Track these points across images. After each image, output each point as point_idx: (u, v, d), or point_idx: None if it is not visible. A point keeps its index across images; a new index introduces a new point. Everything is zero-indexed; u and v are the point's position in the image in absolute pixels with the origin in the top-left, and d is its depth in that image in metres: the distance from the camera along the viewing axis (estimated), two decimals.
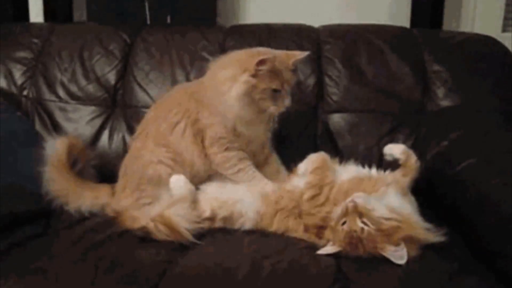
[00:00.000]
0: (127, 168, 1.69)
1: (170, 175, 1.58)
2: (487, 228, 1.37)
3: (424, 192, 1.57)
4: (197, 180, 1.62)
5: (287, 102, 1.58)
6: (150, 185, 1.60)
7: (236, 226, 1.53)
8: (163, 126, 1.65)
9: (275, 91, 1.55)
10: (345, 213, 1.33)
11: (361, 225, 1.30)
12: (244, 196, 1.55)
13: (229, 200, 1.54)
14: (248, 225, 1.53)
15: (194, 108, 1.64)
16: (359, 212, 1.32)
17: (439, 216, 1.51)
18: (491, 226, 1.35)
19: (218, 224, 1.53)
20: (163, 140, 1.63)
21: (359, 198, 1.34)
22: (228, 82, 1.55)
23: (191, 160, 1.63)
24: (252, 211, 1.53)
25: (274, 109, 1.58)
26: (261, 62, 1.50)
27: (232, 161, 1.63)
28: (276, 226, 1.51)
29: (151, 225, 1.44)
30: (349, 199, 1.35)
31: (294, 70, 1.63)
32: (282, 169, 1.72)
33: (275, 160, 1.73)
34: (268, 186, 1.60)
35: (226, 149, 1.63)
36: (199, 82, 1.74)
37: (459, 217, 1.49)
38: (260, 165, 1.68)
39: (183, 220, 1.45)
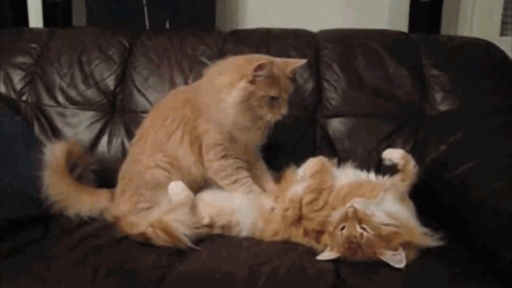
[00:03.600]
0: (126, 173, 1.69)
1: (168, 179, 1.58)
2: (487, 231, 1.37)
3: (423, 195, 1.56)
4: (195, 186, 1.61)
5: (284, 110, 1.57)
6: (148, 189, 1.60)
7: (234, 233, 1.53)
8: (160, 134, 1.64)
9: (272, 98, 1.55)
10: (344, 219, 1.33)
11: (360, 230, 1.31)
12: (241, 206, 1.56)
13: (227, 209, 1.55)
14: (244, 233, 1.53)
15: (190, 115, 1.63)
16: (358, 217, 1.32)
17: (438, 220, 1.51)
18: (490, 229, 1.35)
19: (216, 231, 1.53)
20: (161, 146, 1.63)
21: (358, 203, 1.34)
22: (226, 88, 1.55)
23: (187, 167, 1.62)
24: (249, 220, 1.53)
25: (270, 117, 1.57)
26: (260, 67, 1.50)
27: (228, 170, 1.62)
28: (279, 237, 1.51)
29: (150, 231, 1.44)
30: (348, 204, 1.35)
31: (292, 79, 1.63)
32: (267, 174, 1.70)
33: (261, 166, 1.71)
34: (266, 202, 1.58)
35: (223, 157, 1.62)
36: (195, 87, 1.73)
37: (458, 220, 1.49)
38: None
39: (182, 226, 1.45)
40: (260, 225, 1.53)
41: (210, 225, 1.52)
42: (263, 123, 1.59)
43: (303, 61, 1.64)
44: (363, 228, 1.31)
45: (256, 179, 1.66)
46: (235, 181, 1.62)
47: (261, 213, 1.54)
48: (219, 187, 1.63)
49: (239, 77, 1.54)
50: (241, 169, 1.64)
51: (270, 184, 1.68)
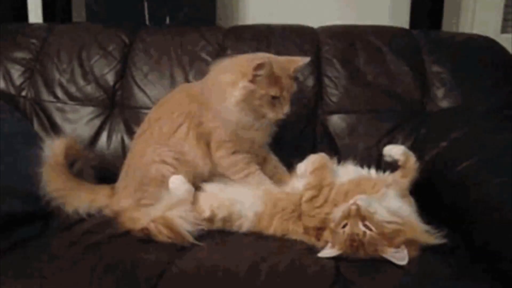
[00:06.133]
0: (129, 168, 1.68)
1: (173, 174, 1.58)
2: (488, 228, 1.36)
3: (424, 193, 1.56)
4: (200, 180, 1.62)
5: (286, 109, 1.57)
6: (152, 185, 1.59)
7: (234, 227, 1.53)
8: (165, 128, 1.65)
9: (274, 97, 1.55)
10: (347, 216, 1.33)
11: (363, 228, 1.30)
12: (244, 198, 1.55)
13: (229, 201, 1.54)
14: (246, 227, 1.52)
15: (196, 110, 1.64)
16: (361, 215, 1.31)
17: (439, 217, 1.50)
18: (491, 226, 1.35)
19: (217, 224, 1.52)
20: (166, 141, 1.63)
21: (361, 200, 1.33)
22: (228, 87, 1.55)
23: (194, 161, 1.62)
24: (251, 212, 1.52)
25: (272, 116, 1.57)
26: (258, 67, 1.50)
27: (240, 165, 1.63)
28: (274, 228, 1.51)
29: (152, 227, 1.44)
30: (351, 201, 1.34)
31: (295, 78, 1.62)
32: (280, 165, 1.72)
33: (272, 158, 1.73)
34: (274, 189, 1.59)
35: (233, 152, 1.63)
36: (201, 83, 1.74)
37: (459, 217, 1.48)
38: (259, 165, 1.67)
39: (185, 222, 1.45)
40: (261, 210, 1.51)
41: (211, 218, 1.52)
42: (266, 122, 1.60)
43: (306, 60, 1.63)
44: (366, 226, 1.30)
45: (271, 173, 1.68)
46: (247, 175, 1.63)
47: (264, 199, 1.53)
48: (223, 179, 1.63)
49: (240, 76, 1.54)
50: (252, 163, 1.64)
51: (286, 176, 1.68)
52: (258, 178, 1.62)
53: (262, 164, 1.69)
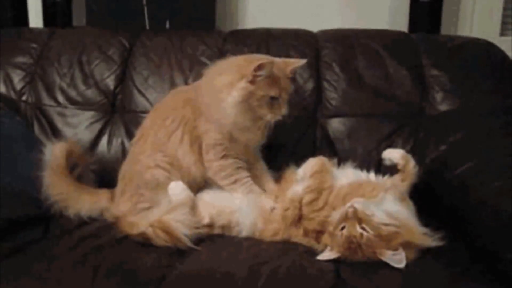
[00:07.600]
0: (126, 173, 1.69)
1: (168, 179, 1.58)
2: (487, 231, 1.37)
3: (423, 195, 1.56)
4: (195, 186, 1.62)
5: (284, 110, 1.57)
6: (148, 189, 1.60)
7: (234, 233, 1.54)
8: (160, 134, 1.65)
9: (272, 98, 1.55)
10: (345, 219, 1.33)
11: (360, 230, 1.31)
12: (241, 206, 1.55)
13: (227, 209, 1.55)
14: (244, 233, 1.53)
15: (190, 115, 1.64)
16: (358, 217, 1.32)
17: (438, 220, 1.51)
18: (490, 229, 1.35)
19: (216, 231, 1.53)
20: (161, 146, 1.63)
21: (358, 203, 1.34)
22: (226, 88, 1.55)
23: (187, 167, 1.62)
24: (249, 220, 1.53)
25: (271, 117, 1.57)
26: (260, 67, 1.50)
27: (228, 170, 1.62)
28: (279, 237, 1.51)
29: (150, 231, 1.44)
30: (348, 204, 1.35)
31: (292, 79, 1.63)
32: (266, 173, 1.70)
33: (261, 166, 1.71)
34: (266, 202, 1.58)
35: (223, 157, 1.62)
36: (195, 87, 1.74)
37: (458, 220, 1.49)
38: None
39: (181, 226, 1.45)
40: (260, 225, 1.53)
41: (210, 225, 1.52)
42: (263, 123, 1.59)
43: (303, 61, 1.64)
44: (363, 228, 1.31)
45: (256, 179, 1.66)
46: (235, 181, 1.62)
47: (261, 213, 1.54)
48: (219, 187, 1.63)
49: (239, 77, 1.54)
50: (241, 169, 1.64)
51: (270, 184, 1.68)
52: (245, 186, 1.62)
53: (249, 168, 1.67)
